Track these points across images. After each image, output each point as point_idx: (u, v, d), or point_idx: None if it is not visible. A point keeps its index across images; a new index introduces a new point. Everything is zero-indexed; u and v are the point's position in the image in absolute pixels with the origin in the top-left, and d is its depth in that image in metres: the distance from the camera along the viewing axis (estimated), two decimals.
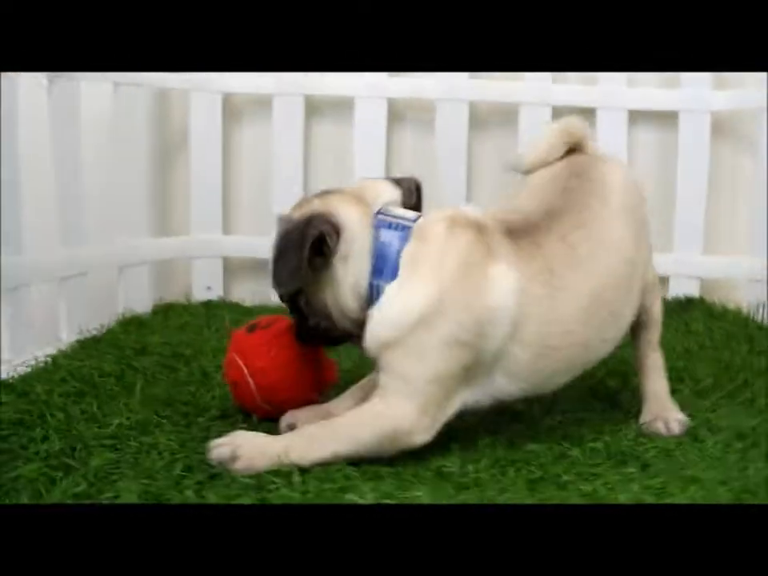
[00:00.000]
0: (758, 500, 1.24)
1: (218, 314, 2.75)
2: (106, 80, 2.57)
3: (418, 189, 1.59)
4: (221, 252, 2.99)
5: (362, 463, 1.40)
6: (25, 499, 1.22)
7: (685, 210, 2.96)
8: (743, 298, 2.89)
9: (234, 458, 1.36)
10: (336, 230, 1.42)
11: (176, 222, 3.03)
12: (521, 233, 1.50)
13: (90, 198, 2.48)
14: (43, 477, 1.30)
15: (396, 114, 3.01)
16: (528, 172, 1.73)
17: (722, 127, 3.03)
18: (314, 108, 3.02)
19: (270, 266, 1.45)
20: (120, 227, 2.69)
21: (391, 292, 1.43)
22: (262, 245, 2.84)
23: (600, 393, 1.92)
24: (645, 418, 1.68)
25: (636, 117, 2.99)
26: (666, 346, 1.83)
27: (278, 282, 1.46)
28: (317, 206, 1.47)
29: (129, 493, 1.25)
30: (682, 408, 1.72)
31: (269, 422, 1.63)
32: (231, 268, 3.07)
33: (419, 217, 1.50)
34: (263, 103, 2.97)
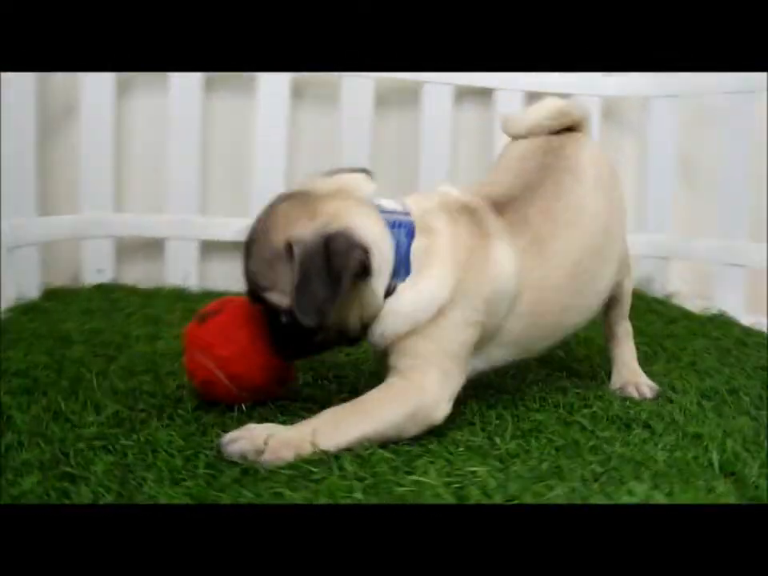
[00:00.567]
0: (764, 451, 1.40)
1: (117, 298, 2.60)
2: None
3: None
4: (112, 231, 2.78)
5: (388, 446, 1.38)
6: None
7: None
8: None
9: (258, 450, 1.30)
10: (366, 252, 1.37)
11: (63, 200, 2.79)
12: (506, 207, 1.55)
13: None
14: (54, 491, 1.18)
15: (300, 90, 2.95)
16: (515, 137, 1.79)
17: (610, 112, 3.14)
18: (213, 82, 2.89)
19: (293, 295, 1.35)
20: (5, 205, 2.44)
21: (406, 287, 1.44)
22: (156, 223, 2.78)
23: (556, 362, 2.01)
24: (615, 383, 1.79)
25: (532, 98, 3.02)
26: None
27: (304, 313, 1.35)
28: (334, 220, 1.38)
29: (169, 498, 1.17)
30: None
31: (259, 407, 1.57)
32: (122, 249, 2.87)
33: (405, 206, 1.50)
34: (158, 76, 2.81)
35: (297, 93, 2.88)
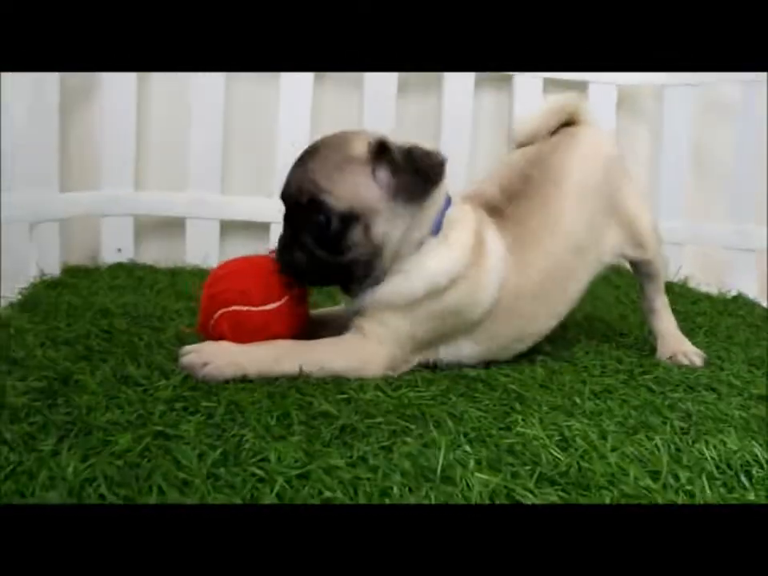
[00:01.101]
0: None
1: (141, 276, 2.56)
2: None
3: None
4: (132, 209, 2.73)
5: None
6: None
7: None
8: None
9: (203, 363, 1.41)
10: (445, 161, 1.49)
11: (84, 176, 2.73)
12: (493, 210, 1.64)
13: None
14: (154, 448, 1.17)
15: (321, 79, 2.94)
16: (521, 145, 1.82)
17: (625, 100, 3.16)
18: None
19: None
20: (30, 181, 2.41)
21: (433, 247, 1.52)
22: (176, 202, 2.75)
23: (600, 334, 2.02)
24: (664, 354, 1.83)
25: (551, 85, 3.04)
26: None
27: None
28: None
29: (278, 452, 1.16)
30: None
31: None
32: (141, 227, 2.83)
33: None
34: None
35: (319, 75, 2.87)
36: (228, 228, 2.84)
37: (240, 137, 2.89)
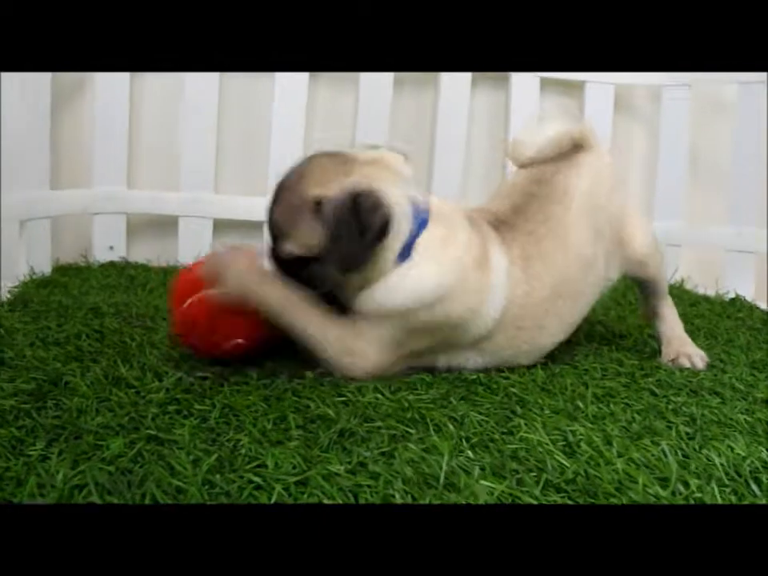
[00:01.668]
0: None
1: (133, 275, 2.53)
2: None
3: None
4: (124, 208, 2.69)
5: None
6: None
7: None
8: None
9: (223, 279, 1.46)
10: (390, 212, 1.42)
11: (75, 174, 2.70)
12: (498, 224, 1.62)
13: None
14: (147, 453, 1.14)
15: (316, 74, 2.89)
16: (521, 166, 1.81)
17: (622, 100, 3.14)
18: None
19: (326, 248, 1.42)
20: (21, 178, 2.37)
21: (404, 270, 1.47)
22: (169, 200, 2.72)
23: (599, 337, 1.98)
24: (668, 355, 1.80)
25: (547, 84, 3.01)
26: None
27: (341, 263, 1.42)
28: (365, 181, 1.43)
29: (274, 458, 1.13)
30: None
31: None
32: (133, 226, 2.79)
33: (428, 202, 1.54)
34: None
35: (314, 74, 2.83)
36: (221, 227, 2.81)
37: (233, 135, 2.85)
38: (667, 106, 3.08)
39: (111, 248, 2.68)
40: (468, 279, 1.50)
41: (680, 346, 1.83)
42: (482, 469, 1.12)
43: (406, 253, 1.47)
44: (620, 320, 2.20)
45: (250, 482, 1.05)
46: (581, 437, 1.25)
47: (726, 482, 1.14)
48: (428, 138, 2.93)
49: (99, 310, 1.96)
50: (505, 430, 1.28)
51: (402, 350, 1.51)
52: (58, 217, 2.58)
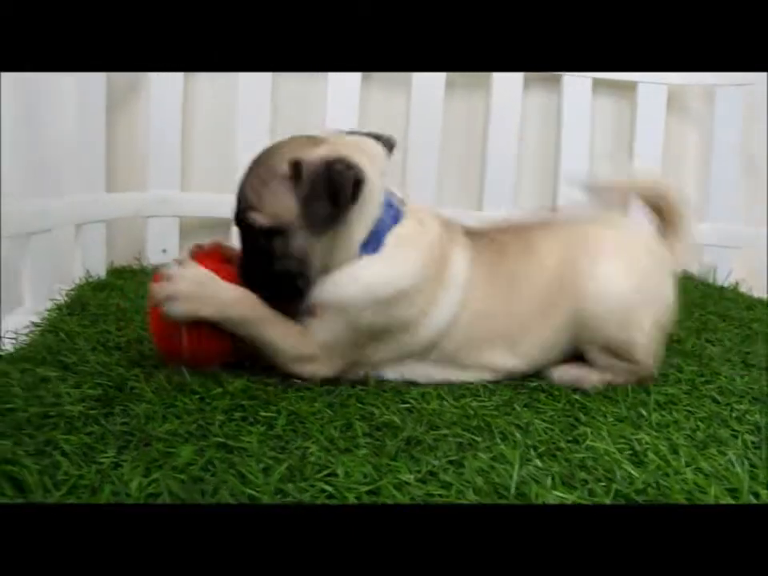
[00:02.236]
0: None
1: None
2: None
3: (391, 149, 1.60)
4: (177, 210, 2.72)
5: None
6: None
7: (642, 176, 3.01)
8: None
9: (167, 297, 1.43)
10: (362, 175, 1.42)
11: (129, 177, 2.74)
12: (477, 234, 1.61)
13: (48, 149, 2.20)
14: (217, 461, 1.15)
15: (368, 76, 2.91)
16: (591, 191, 1.79)
17: (675, 100, 3.11)
18: None
19: (301, 205, 1.41)
20: (77, 181, 2.41)
21: (375, 260, 1.47)
22: (221, 203, 2.72)
23: None
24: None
25: (600, 85, 2.99)
26: None
27: (313, 224, 1.42)
28: (339, 150, 1.43)
29: (346, 465, 1.15)
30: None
31: None
32: (185, 228, 2.82)
33: (405, 199, 1.57)
34: None
35: (367, 75, 2.83)
36: None
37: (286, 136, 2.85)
38: (720, 107, 3.05)
39: (164, 251, 2.70)
40: (425, 283, 1.49)
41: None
42: (552, 478, 1.11)
43: (375, 243, 1.47)
44: (677, 323, 2.17)
45: (322, 491, 1.06)
46: (647, 446, 1.25)
47: None
48: (480, 140, 2.92)
49: None
50: (570, 438, 1.28)
51: (351, 355, 1.50)
52: (112, 220, 2.59)
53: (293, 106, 2.88)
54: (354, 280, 1.46)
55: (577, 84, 2.94)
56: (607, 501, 1.07)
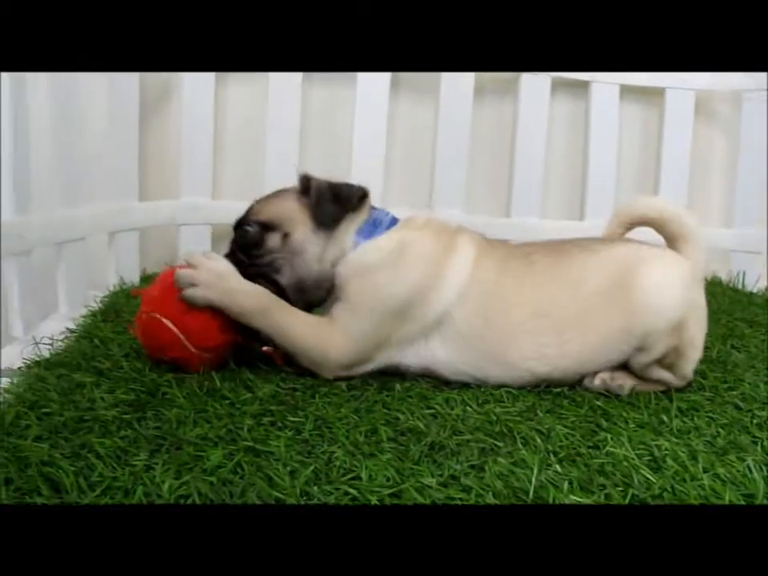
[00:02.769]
0: None
1: None
2: None
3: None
4: (209, 218, 2.76)
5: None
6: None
7: (669, 183, 3.01)
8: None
9: (190, 284, 1.53)
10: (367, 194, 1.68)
11: (161, 186, 2.78)
12: (497, 242, 1.70)
13: (80, 158, 2.25)
14: (246, 464, 1.19)
15: (398, 79, 2.91)
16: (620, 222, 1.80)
17: (702, 106, 3.12)
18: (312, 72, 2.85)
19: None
20: (110, 189, 2.47)
21: (378, 239, 1.62)
22: None
23: None
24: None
25: (627, 91, 3.01)
26: None
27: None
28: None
29: (369, 470, 1.18)
30: None
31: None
32: (218, 235, 2.86)
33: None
34: None
35: (395, 83, 2.86)
36: None
37: (316, 145, 2.90)
38: (747, 112, 3.05)
39: None
40: (427, 248, 1.59)
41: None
42: (570, 483, 1.14)
43: (373, 228, 1.64)
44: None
45: (346, 493, 1.09)
46: (666, 452, 1.27)
47: None
48: (508, 147, 2.94)
49: None
50: (591, 444, 1.30)
51: (374, 336, 1.56)
52: (145, 228, 2.64)
53: (322, 113, 2.92)
54: (369, 250, 1.60)
55: (604, 90, 2.95)
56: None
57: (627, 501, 1.11)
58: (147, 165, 2.73)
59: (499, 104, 3.00)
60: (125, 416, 1.34)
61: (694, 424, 1.43)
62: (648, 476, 1.17)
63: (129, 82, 2.50)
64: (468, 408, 1.43)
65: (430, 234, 1.62)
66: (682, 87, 2.98)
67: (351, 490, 1.09)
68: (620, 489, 1.14)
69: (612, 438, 1.32)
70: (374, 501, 1.07)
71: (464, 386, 1.59)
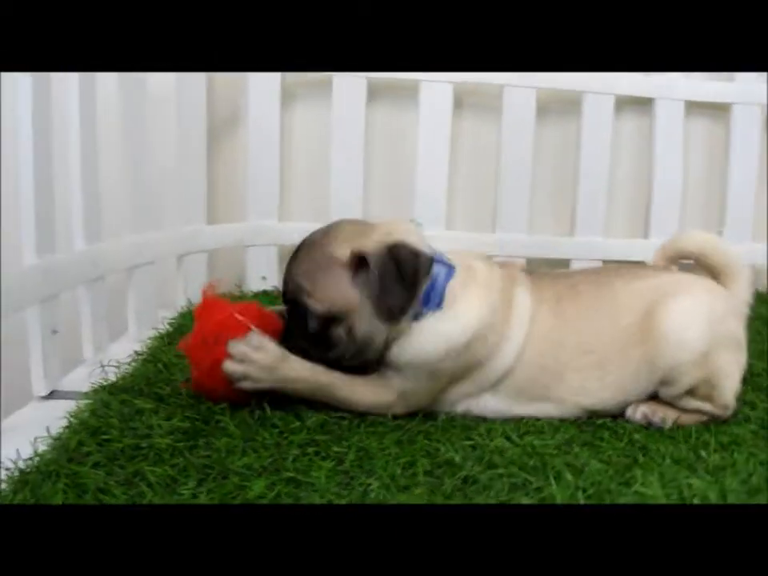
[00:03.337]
0: None
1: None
2: None
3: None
4: (276, 239, 2.83)
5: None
6: None
7: (736, 200, 2.98)
8: None
9: (244, 376, 1.50)
10: (429, 256, 1.51)
11: (229, 208, 2.86)
12: (541, 275, 1.69)
13: (149, 183, 2.35)
14: (285, 496, 1.25)
15: (460, 99, 2.92)
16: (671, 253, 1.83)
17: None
18: (375, 91, 2.89)
19: (376, 297, 1.48)
20: (179, 214, 2.58)
21: (434, 319, 1.52)
22: None
23: None
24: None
25: (693, 108, 2.98)
26: None
27: (389, 314, 1.48)
28: (391, 235, 1.50)
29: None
30: None
31: None
32: (285, 256, 2.93)
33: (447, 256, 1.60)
34: (322, 85, 2.82)
35: (458, 102, 2.87)
36: None
37: (380, 167, 2.95)
38: None
39: (264, 278, 2.81)
40: (492, 320, 1.54)
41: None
42: None
43: (435, 299, 1.52)
44: (759, 355, 2.15)
45: None
46: (696, 491, 1.26)
47: None
48: (571, 166, 2.95)
49: None
50: (622, 481, 1.31)
51: (429, 399, 1.58)
52: (213, 250, 2.73)
53: (385, 135, 2.96)
54: (428, 337, 1.52)
55: (669, 107, 2.92)
56: None
57: None
58: (217, 188, 2.81)
59: (562, 122, 2.99)
60: (178, 444, 1.40)
61: (732, 460, 1.42)
62: None
63: (196, 106, 2.59)
64: (506, 440, 1.46)
65: (491, 300, 1.56)
66: (749, 102, 2.94)
67: None
68: None
69: (644, 475, 1.33)
70: None
71: None
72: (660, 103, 2.94)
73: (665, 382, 1.62)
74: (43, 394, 1.79)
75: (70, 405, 1.63)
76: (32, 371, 1.80)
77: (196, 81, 2.60)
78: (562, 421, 1.61)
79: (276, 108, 2.77)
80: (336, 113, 2.81)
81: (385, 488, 1.26)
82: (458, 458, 1.38)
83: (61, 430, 1.49)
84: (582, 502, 1.22)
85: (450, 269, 1.56)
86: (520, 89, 2.84)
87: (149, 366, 1.85)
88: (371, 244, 1.47)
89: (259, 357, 1.48)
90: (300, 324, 1.54)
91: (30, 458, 1.35)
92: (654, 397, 1.66)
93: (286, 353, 1.51)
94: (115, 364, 1.85)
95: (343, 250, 1.49)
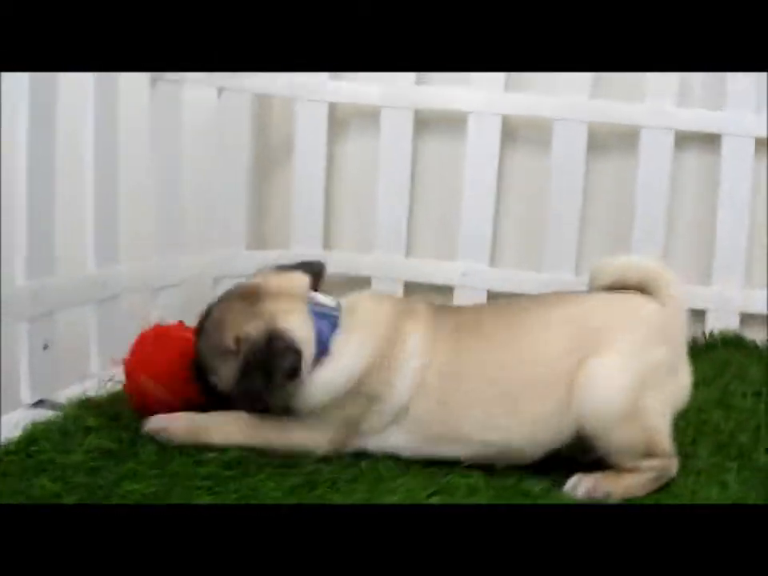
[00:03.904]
0: None
1: None
2: (210, 85, 2.55)
3: (321, 272, 1.75)
4: None
5: None
6: None
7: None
8: None
9: (162, 428, 1.58)
10: (299, 354, 1.52)
11: (273, 236, 2.91)
12: (447, 308, 1.81)
13: (187, 207, 2.39)
14: None
15: (510, 131, 2.85)
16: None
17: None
18: (423, 122, 2.86)
19: (236, 381, 1.55)
20: (217, 238, 2.62)
21: (322, 369, 1.58)
22: (362, 262, 2.83)
23: None
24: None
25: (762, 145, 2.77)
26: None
27: (241, 401, 1.58)
28: (269, 319, 1.54)
29: None
30: None
31: None
32: (329, 285, 2.93)
33: (338, 303, 1.65)
34: (370, 115, 2.82)
35: (508, 135, 2.81)
36: (412, 290, 2.86)
37: (428, 199, 2.91)
38: None
39: None
40: (376, 358, 1.57)
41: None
42: None
43: (323, 351, 1.57)
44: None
45: None
46: None
47: None
48: (627, 203, 2.81)
49: None
50: None
51: (348, 430, 1.60)
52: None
53: (432, 166, 2.92)
54: (318, 387, 1.57)
55: (737, 143, 2.74)
56: None
57: None
58: (269, 215, 2.86)
59: (617, 157, 2.86)
60: (92, 462, 1.46)
61: None
62: None
63: (241, 129, 2.67)
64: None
65: (374, 338, 1.59)
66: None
67: None
68: None
69: None
70: None
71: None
72: (727, 140, 2.76)
73: (592, 435, 1.53)
74: (30, 402, 1.89)
75: (47, 414, 1.73)
76: (21, 380, 1.91)
77: (237, 102, 2.66)
78: (491, 476, 1.54)
79: (323, 137, 2.81)
80: (384, 143, 2.82)
81: None
82: None
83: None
84: None
85: (334, 319, 1.60)
86: (571, 123, 2.75)
87: None
88: (251, 329, 1.53)
89: (177, 424, 1.61)
90: (210, 392, 1.63)
91: None
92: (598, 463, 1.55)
93: (204, 416, 1.62)
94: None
95: (229, 341, 1.56)
